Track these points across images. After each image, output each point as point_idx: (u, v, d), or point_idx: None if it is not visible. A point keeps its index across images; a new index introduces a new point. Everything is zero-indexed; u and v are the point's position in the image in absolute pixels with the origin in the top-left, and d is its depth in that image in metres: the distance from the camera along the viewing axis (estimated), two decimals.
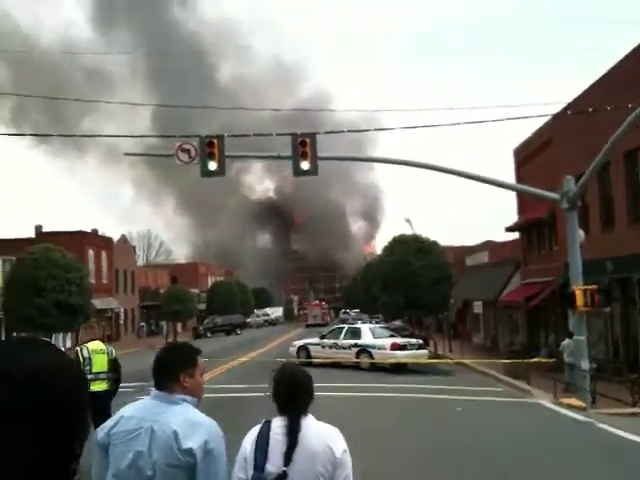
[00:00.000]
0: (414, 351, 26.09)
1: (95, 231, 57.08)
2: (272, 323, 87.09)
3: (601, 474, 9.64)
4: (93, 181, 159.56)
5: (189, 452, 2.94)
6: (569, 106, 23.69)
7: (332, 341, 27.40)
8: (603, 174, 21.84)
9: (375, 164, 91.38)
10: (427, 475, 9.57)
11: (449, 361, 28.62)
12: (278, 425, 3.25)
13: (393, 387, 19.44)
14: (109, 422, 3.17)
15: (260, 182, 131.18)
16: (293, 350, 28.86)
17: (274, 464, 3.15)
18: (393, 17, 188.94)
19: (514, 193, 31.77)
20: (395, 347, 25.49)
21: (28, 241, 41.98)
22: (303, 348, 28.53)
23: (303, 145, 17.47)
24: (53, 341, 25.68)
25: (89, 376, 9.08)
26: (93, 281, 44.80)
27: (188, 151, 17.75)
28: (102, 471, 3.11)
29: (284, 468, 3.11)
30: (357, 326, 29.51)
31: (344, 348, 26.64)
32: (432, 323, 42.15)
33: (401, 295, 32.50)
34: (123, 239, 69.22)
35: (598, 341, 23.45)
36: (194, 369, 3.21)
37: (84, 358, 9.38)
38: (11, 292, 31.56)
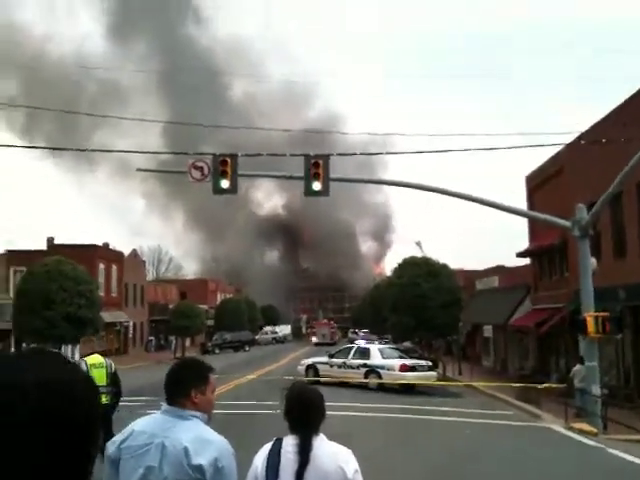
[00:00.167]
0: (423, 373, 25.96)
1: (106, 245, 57.38)
2: (280, 341, 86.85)
3: None
4: (104, 194, 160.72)
5: (199, 469, 2.94)
6: (582, 135, 23.80)
7: (341, 360, 27.30)
8: (615, 203, 21.83)
9: (385, 186, 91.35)
10: None
11: (458, 383, 28.41)
12: (289, 443, 3.25)
13: (401, 408, 19.30)
14: (120, 436, 3.17)
15: (269, 198, 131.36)
16: (301, 369, 28.77)
17: None
18: (411, 36, 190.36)
19: (525, 219, 31.73)
20: (404, 368, 25.37)
21: (40, 253, 42.29)
22: (311, 367, 28.43)
23: (316, 166, 17.55)
24: (62, 352, 25.73)
25: None
26: (103, 294, 44.94)
27: (201, 169, 17.88)
28: None
29: None
30: (366, 346, 29.42)
31: (353, 368, 26.54)
32: (441, 345, 41.93)
33: (411, 317, 32.42)
34: (134, 253, 69.61)
35: (609, 367, 23.28)
36: (205, 386, 3.21)
37: None
38: (22, 303, 31.69)
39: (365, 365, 26.18)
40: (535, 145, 19.79)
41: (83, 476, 1.11)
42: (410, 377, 25.27)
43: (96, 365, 9.68)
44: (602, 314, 17.20)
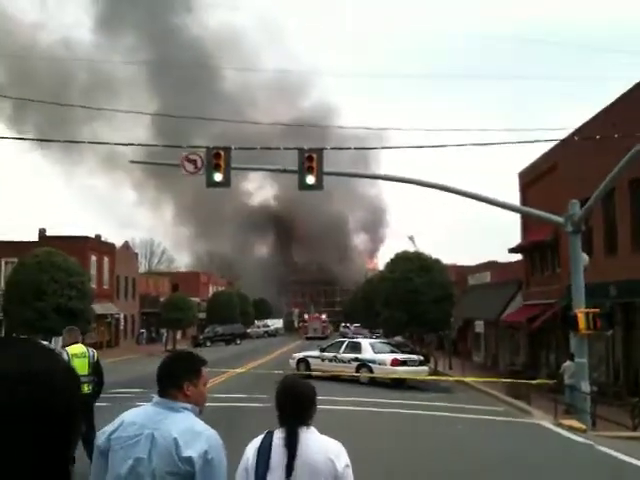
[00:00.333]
0: (414, 367, 26.01)
1: (98, 236, 57.19)
2: (272, 334, 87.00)
3: None
4: (94, 186, 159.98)
5: (189, 460, 2.93)
6: (576, 132, 23.87)
7: (332, 354, 27.34)
8: (608, 200, 21.90)
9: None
10: None
11: (449, 378, 28.50)
12: (279, 437, 3.25)
13: (392, 402, 19.35)
14: (109, 427, 3.16)
15: (261, 189, 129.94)
16: (293, 362, 28.80)
17: (275, 475, 3.14)
18: (405, 34, 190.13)
19: (518, 215, 31.82)
20: (395, 363, 25.42)
21: (31, 244, 42.09)
22: (303, 360, 28.46)
23: (310, 160, 17.52)
24: (52, 344, 25.63)
25: None
26: (94, 286, 44.79)
27: (194, 162, 17.82)
28: (101, 476, 3.10)
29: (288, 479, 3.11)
30: (357, 340, 29.44)
31: (344, 362, 26.57)
32: (433, 340, 42.06)
33: (403, 312, 32.49)
34: (126, 245, 69.37)
35: (599, 364, 23.40)
36: (198, 379, 3.21)
37: None
38: (12, 294, 31.56)
39: (356, 359, 26.22)
40: (529, 141, 19.83)
41: (63, 466, 1.10)
42: (401, 371, 25.32)
43: (78, 355, 9.67)
44: (593, 310, 17.26)
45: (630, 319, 22.20)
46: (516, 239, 34.67)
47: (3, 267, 44.75)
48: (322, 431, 3.35)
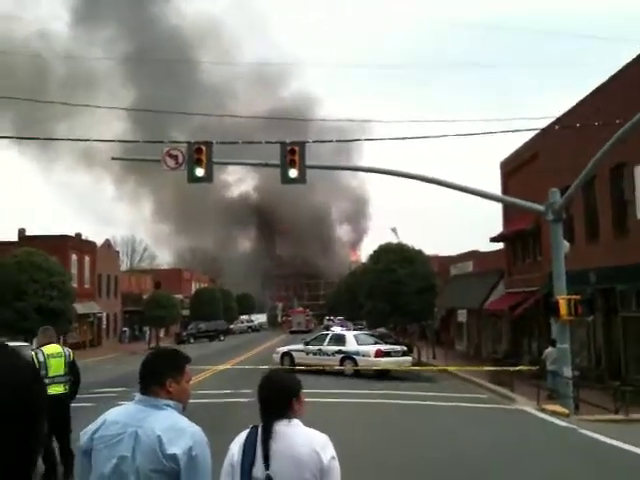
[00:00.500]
0: (398, 358, 26.14)
1: (79, 235, 56.63)
2: (255, 329, 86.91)
3: (583, 479, 9.71)
4: (72, 183, 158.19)
5: (173, 458, 2.91)
6: (557, 121, 23.98)
7: (316, 347, 27.36)
8: (589, 188, 22.07)
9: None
10: None
11: (433, 368, 28.67)
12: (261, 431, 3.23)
13: (376, 393, 19.43)
14: (92, 426, 3.12)
15: (241, 181, 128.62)
16: (277, 357, 28.79)
17: (260, 469, 3.12)
18: (388, 22, 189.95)
19: (500, 205, 32.00)
20: (379, 354, 25.51)
21: (11, 244, 41.63)
22: (287, 354, 28.46)
23: (292, 153, 17.44)
24: (34, 345, 25.37)
25: (46, 380, 9.01)
26: (76, 285, 44.40)
27: (176, 157, 17.68)
28: (86, 476, 3.07)
29: (267, 472, 3.09)
30: (341, 333, 29.48)
31: (328, 355, 26.61)
32: (416, 330, 42.28)
33: (386, 303, 32.61)
34: (107, 244, 68.72)
35: (581, 349, 23.65)
36: (181, 376, 3.18)
37: (39, 362, 9.27)
38: None
39: (340, 352, 26.27)
40: (511, 130, 19.89)
41: (25, 467, 1.08)
42: (385, 362, 25.42)
43: (54, 355, 9.61)
44: (574, 297, 17.43)
45: (610, 305, 22.43)
46: (498, 228, 34.91)
47: None
48: (307, 424, 3.34)
